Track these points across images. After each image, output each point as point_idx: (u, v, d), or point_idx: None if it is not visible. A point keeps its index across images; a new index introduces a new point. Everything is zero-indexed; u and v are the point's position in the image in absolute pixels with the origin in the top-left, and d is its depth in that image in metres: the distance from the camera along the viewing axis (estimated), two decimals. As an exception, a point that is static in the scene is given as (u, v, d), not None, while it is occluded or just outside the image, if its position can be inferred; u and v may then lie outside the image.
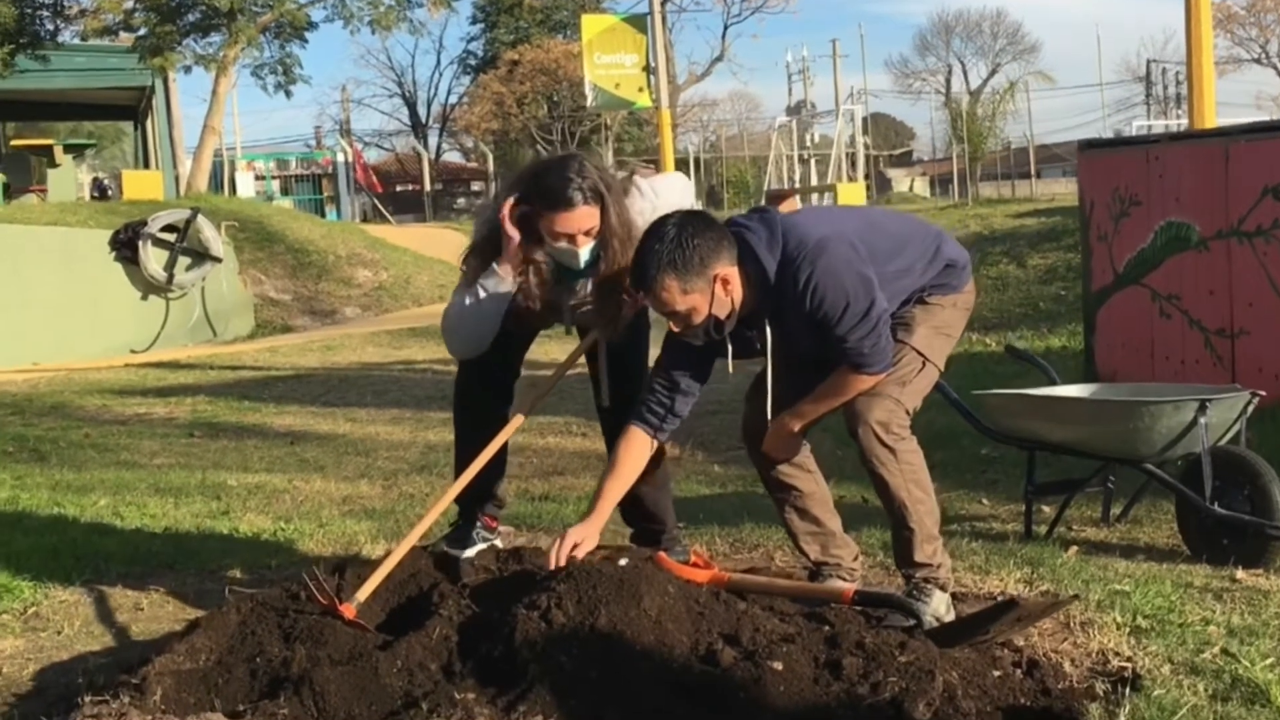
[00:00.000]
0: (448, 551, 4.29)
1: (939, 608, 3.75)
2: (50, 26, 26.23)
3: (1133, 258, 7.72)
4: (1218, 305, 7.12)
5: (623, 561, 3.56)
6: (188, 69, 27.15)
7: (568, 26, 51.44)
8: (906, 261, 3.79)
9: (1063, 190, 30.01)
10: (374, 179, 46.09)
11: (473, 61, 60.69)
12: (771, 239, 3.59)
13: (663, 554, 3.89)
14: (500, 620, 3.35)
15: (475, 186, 57.15)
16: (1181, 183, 7.36)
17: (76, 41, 28.13)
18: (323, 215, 37.25)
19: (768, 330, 3.66)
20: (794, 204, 29.88)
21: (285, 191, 41.76)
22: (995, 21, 66.39)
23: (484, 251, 4.09)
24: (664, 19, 29.55)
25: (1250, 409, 4.79)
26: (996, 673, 3.31)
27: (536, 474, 7.22)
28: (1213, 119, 10.06)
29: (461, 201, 55.07)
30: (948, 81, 65.31)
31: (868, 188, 36.11)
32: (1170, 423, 4.59)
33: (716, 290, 3.54)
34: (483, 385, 4.29)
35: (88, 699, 3.13)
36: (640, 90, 30.05)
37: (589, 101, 32.63)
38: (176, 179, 26.84)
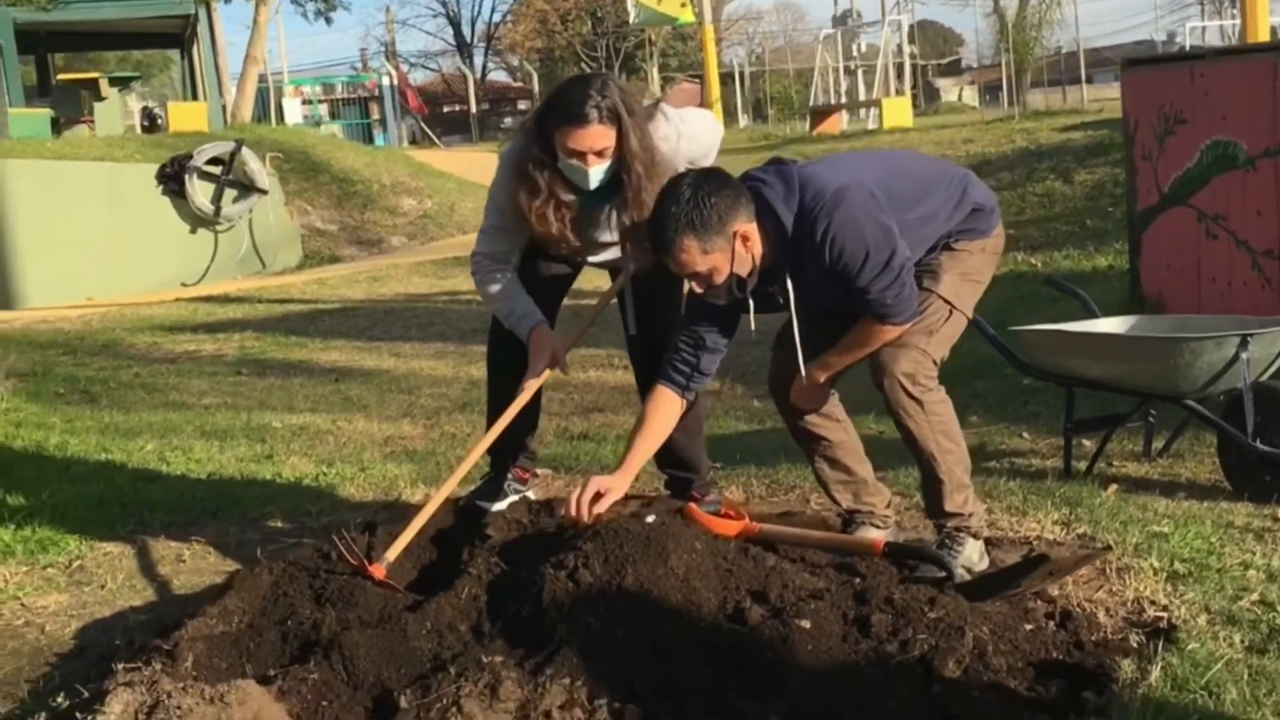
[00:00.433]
0: (479, 505, 4.29)
1: (971, 556, 3.72)
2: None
3: (1178, 177, 7.56)
4: (1265, 226, 6.96)
5: (650, 518, 3.56)
6: (227, -2, 27.04)
7: (611, -61, 50.87)
8: (932, 206, 3.71)
9: (1114, 95, 29.40)
10: (420, 101, 45.88)
11: (517, -22, 60.14)
12: (788, 192, 3.52)
13: (693, 506, 3.87)
14: (529, 579, 3.35)
15: (521, 105, 56.79)
16: (1228, 100, 7.18)
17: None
18: (370, 140, 37.17)
19: (789, 285, 3.61)
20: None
21: (334, 116, 41.65)
22: (1045, -80, 64.78)
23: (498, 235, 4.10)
24: (707, -70, 29.14)
25: (1294, 342, 4.70)
26: (1028, 626, 3.29)
27: (577, 411, 7.24)
28: (1265, 29, 9.80)
29: (508, 121, 54.73)
30: (995, -16, 63.94)
31: (914, 98, 35.56)
32: (1211, 358, 4.50)
33: (737, 247, 3.47)
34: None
35: (120, 666, 3.16)
36: (683, 5, 29.71)
37: (631, 18, 32.31)
38: (224, 109, 26.81)
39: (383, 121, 41.23)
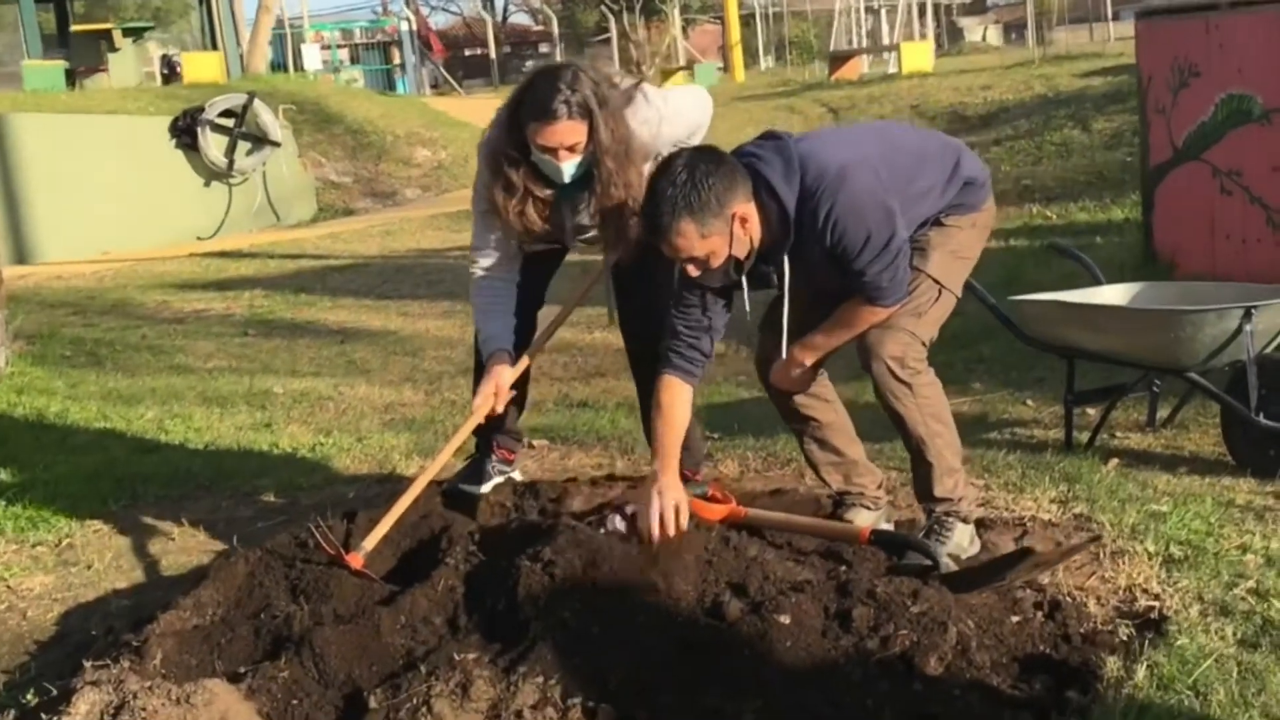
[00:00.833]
0: (462, 488, 4.23)
1: (961, 541, 3.64)
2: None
3: (1192, 131, 7.39)
4: (1281, 182, 6.82)
5: (630, 508, 3.49)
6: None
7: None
8: (928, 181, 3.60)
9: (1140, 35, 28.89)
10: (440, 45, 45.52)
11: (538, -83, 59.49)
12: (788, 169, 3.40)
13: (679, 490, 3.80)
14: (505, 571, 3.29)
15: (543, 49, 56.39)
16: (1244, 53, 7.00)
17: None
18: (391, 85, 36.91)
19: (785, 264, 3.50)
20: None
21: (354, 61, 41.37)
22: None
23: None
24: None
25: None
26: (1015, 618, 3.21)
27: (579, 375, 7.16)
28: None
29: (530, 64, 54.33)
30: (1023, -80, 63.03)
31: (938, 37, 35.12)
32: (1214, 331, 4.38)
33: (735, 229, 3.35)
34: None
35: (89, 664, 3.13)
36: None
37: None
38: (241, 58, 26.64)
39: (403, 66, 40.94)
